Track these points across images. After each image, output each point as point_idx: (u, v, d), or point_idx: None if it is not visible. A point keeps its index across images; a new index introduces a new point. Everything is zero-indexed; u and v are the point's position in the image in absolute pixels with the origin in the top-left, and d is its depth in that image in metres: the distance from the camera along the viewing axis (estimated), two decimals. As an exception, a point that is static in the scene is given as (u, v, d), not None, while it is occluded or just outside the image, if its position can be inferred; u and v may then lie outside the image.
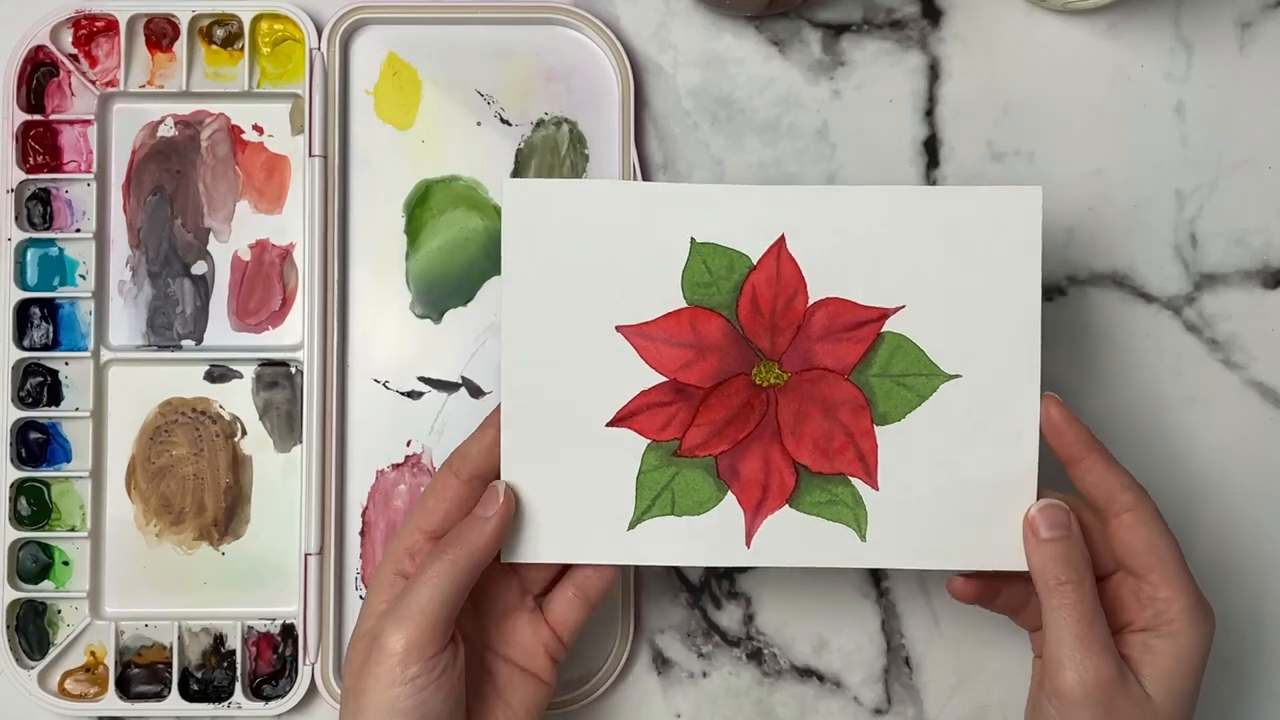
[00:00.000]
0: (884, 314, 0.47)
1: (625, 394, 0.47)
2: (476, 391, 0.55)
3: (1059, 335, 0.55)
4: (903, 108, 0.56)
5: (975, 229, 0.47)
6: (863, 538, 0.47)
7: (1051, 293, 0.55)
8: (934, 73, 0.56)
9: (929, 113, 0.56)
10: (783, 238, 0.47)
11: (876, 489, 0.47)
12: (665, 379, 0.47)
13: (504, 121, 0.55)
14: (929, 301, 0.47)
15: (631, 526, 0.47)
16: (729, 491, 0.47)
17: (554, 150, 0.55)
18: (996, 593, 0.49)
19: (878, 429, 0.47)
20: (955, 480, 0.47)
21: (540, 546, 0.48)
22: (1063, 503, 0.46)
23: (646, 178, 0.55)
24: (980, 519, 0.47)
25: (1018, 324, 0.47)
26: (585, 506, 0.47)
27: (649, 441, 0.47)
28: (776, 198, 0.48)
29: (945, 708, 0.55)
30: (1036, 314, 0.47)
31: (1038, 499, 0.47)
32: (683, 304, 0.47)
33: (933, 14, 0.56)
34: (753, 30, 0.56)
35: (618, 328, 0.47)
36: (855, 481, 0.47)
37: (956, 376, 0.47)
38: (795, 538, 0.47)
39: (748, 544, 0.47)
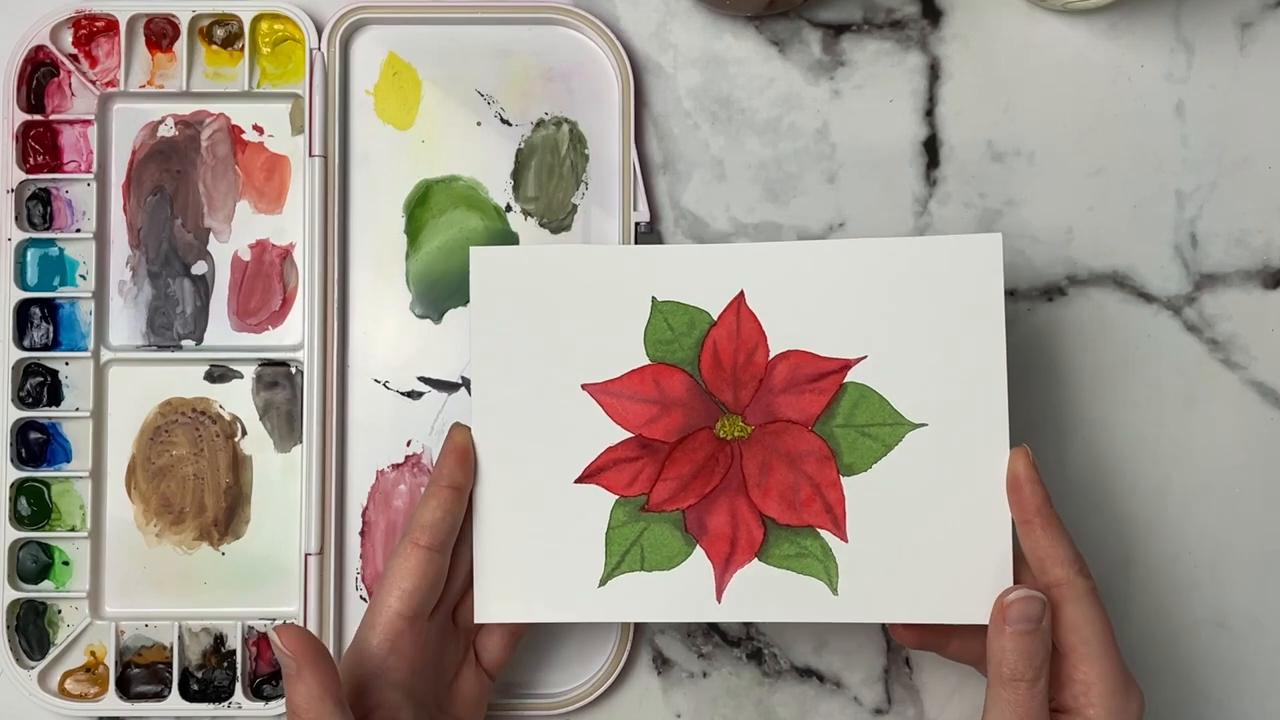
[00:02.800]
0: (846, 365, 0.48)
1: (592, 450, 0.48)
2: (476, 391, 0.55)
3: (1059, 335, 0.55)
4: (903, 108, 0.56)
5: (935, 278, 0.47)
6: (834, 591, 0.47)
7: (1051, 292, 0.55)
8: (934, 73, 0.56)
9: (929, 113, 0.56)
10: (741, 293, 0.48)
11: (846, 541, 0.47)
12: (631, 435, 0.48)
13: (504, 121, 0.55)
14: (891, 351, 0.47)
15: (602, 583, 0.48)
16: (697, 545, 0.48)
17: (554, 150, 0.55)
18: (946, 641, 0.49)
19: (844, 480, 0.47)
20: (926, 532, 0.47)
21: (513, 606, 0.48)
22: (1040, 595, 0.44)
23: (646, 178, 0.55)
24: (952, 572, 0.47)
25: (983, 372, 0.47)
26: (556, 564, 0.48)
27: (617, 497, 0.48)
28: (735, 255, 0.48)
29: (945, 708, 0.55)
30: (1001, 362, 0.47)
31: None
32: (646, 361, 0.48)
33: (933, 14, 0.56)
34: (753, 30, 0.56)
35: (583, 386, 0.48)
36: (824, 534, 0.47)
37: (922, 426, 0.47)
38: (766, 591, 0.47)
39: (719, 598, 0.47)
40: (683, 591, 0.47)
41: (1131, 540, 0.55)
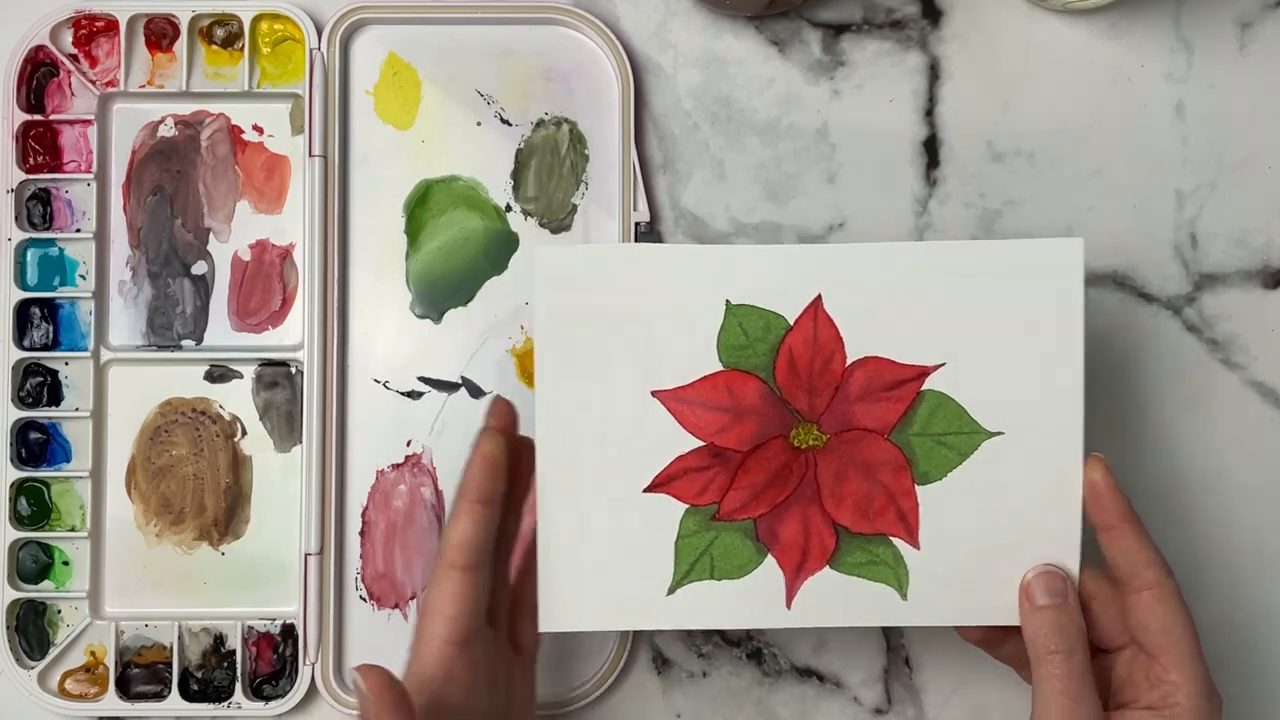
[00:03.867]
0: (923, 372, 0.47)
1: (662, 459, 0.47)
2: (476, 391, 0.55)
3: (1059, 335, 0.55)
4: (903, 108, 0.56)
5: (1014, 282, 0.46)
6: (904, 596, 0.47)
7: (1051, 293, 0.55)
8: (934, 73, 0.56)
9: (929, 113, 0.56)
10: (819, 297, 0.47)
11: (918, 548, 0.47)
12: (702, 443, 0.47)
13: (504, 121, 0.55)
14: (969, 358, 0.46)
15: (671, 591, 0.47)
16: (769, 554, 0.47)
17: (554, 150, 0.55)
18: (1003, 641, 0.49)
19: (919, 488, 0.47)
20: (998, 538, 0.46)
21: (580, 614, 0.47)
22: (1061, 570, 0.46)
23: (646, 178, 0.55)
24: (1020, 576, 0.46)
25: (1060, 380, 0.46)
26: (624, 572, 0.47)
27: (687, 506, 0.47)
28: (811, 257, 0.47)
29: (945, 708, 0.55)
30: (1079, 369, 0.46)
31: (1074, 561, 0.46)
32: (719, 367, 0.47)
33: (933, 14, 0.56)
34: (753, 30, 0.56)
35: (654, 393, 0.47)
36: (896, 541, 0.47)
37: (998, 434, 0.46)
38: (836, 598, 0.47)
39: (788, 605, 0.47)
40: (752, 599, 0.47)
41: (1131, 540, 0.55)
